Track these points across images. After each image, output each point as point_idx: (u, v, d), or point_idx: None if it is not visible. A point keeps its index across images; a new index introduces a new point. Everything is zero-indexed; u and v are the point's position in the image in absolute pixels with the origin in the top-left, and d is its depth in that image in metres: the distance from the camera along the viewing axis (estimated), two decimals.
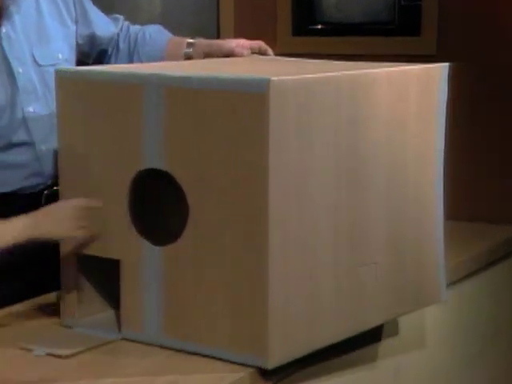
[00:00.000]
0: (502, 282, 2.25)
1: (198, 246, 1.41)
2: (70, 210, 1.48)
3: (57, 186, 1.73)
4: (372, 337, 1.66)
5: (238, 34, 2.60)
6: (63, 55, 1.76)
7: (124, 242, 1.48)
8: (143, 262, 1.47)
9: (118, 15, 1.93)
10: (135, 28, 1.92)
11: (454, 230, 1.80)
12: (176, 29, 2.82)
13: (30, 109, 1.69)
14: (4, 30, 1.67)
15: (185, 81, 1.40)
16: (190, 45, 1.84)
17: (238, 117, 1.35)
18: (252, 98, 1.33)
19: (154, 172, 1.45)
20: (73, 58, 1.80)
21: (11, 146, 1.69)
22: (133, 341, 1.48)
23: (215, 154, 1.38)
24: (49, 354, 1.42)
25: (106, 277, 1.55)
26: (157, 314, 1.46)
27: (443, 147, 1.64)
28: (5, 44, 1.66)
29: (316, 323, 1.44)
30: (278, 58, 1.85)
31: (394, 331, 1.75)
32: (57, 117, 1.55)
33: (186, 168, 1.41)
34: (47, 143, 1.71)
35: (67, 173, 1.54)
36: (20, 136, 1.69)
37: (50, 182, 1.74)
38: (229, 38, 2.61)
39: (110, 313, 1.58)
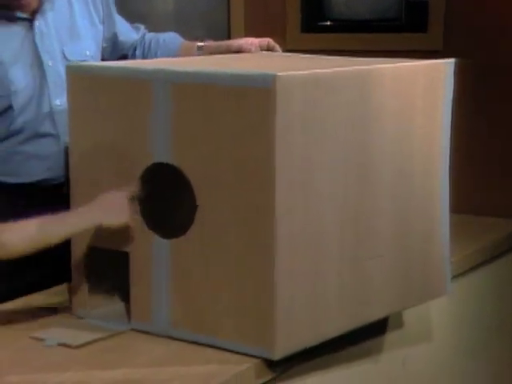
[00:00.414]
0: (506, 274, 2.25)
1: (205, 240, 1.43)
2: (120, 199, 1.49)
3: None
4: (377, 329, 1.68)
5: (249, 31, 2.62)
6: (90, 52, 1.81)
7: (133, 235, 1.50)
8: (152, 255, 1.49)
9: (139, 24, 2.00)
10: (151, 34, 1.98)
11: (459, 224, 1.81)
12: (187, 26, 2.85)
13: (57, 102, 1.74)
14: (37, 25, 1.73)
15: (192, 76, 1.42)
16: (200, 48, 1.89)
17: (244, 112, 1.37)
18: (258, 93, 1.35)
19: (163, 166, 1.47)
20: (99, 55, 1.86)
21: (37, 136, 1.74)
22: (142, 332, 1.50)
23: (222, 149, 1.40)
24: (60, 344, 1.45)
25: (116, 269, 1.57)
26: (165, 306, 1.48)
27: (449, 141, 1.66)
28: (37, 38, 1.73)
29: (321, 315, 1.45)
30: (286, 54, 1.87)
31: (399, 324, 1.76)
32: (68, 111, 1.57)
33: (194, 162, 1.43)
34: None
35: (77, 167, 1.57)
36: (46, 128, 1.75)
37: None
38: (239, 35, 2.64)
39: (119, 304, 1.60)
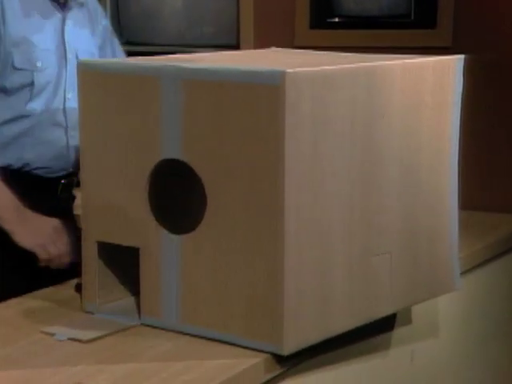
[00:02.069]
0: None
1: (215, 236, 1.44)
2: (49, 227, 1.66)
3: (74, 175, 1.80)
4: (385, 325, 1.68)
5: (258, 27, 2.62)
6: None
7: (143, 231, 1.51)
8: (162, 250, 1.50)
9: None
10: None
11: (467, 220, 1.81)
12: (197, 23, 2.86)
13: (69, 95, 1.80)
14: (68, 20, 1.82)
15: (202, 73, 1.43)
16: None
17: (253, 108, 1.38)
18: (267, 90, 1.35)
19: (173, 162, 1.48)
20: None
21: (49, 124, 1.80)
22: (152, 326, 1.51)
23: (232, 145, 1.41)
24: (70, 339, 1.46)
25: (126, 264, 1.58)
26: (175, 301, 1.49)
27: (458, 138, 1.66)
28: (66, 32, 1.81)
29: (330, 311, 1.46)
30: (295, 50, 1.88)
31: (408, 319, 1.77)
32: (78, 107, 1.58)
33: (204, 159, 1.44)
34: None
35: (88, 163, 1.58)
36: (58, 117, 1.81)
37: (71, 170, 1.83)
38: (248, 31, 2.64)
39: (129, 299, 1.62)
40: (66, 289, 1.70)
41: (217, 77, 1.41)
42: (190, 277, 1.47)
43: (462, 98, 1.65)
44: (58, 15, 1.81)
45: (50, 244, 1.72)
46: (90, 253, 1.58)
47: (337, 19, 2.55)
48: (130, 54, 2.06)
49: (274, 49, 1.85)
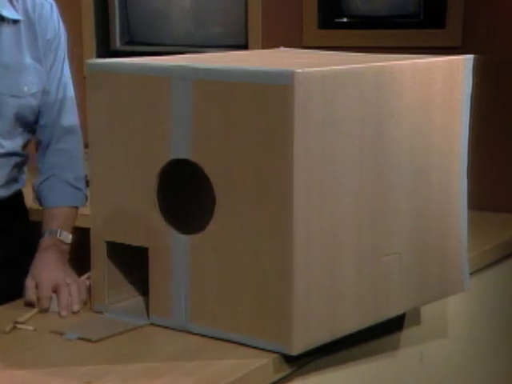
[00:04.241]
0: None
1: (223, 236, 1.44)
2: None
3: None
4: (394, 325, 1.68)
5: (266, 27, 2.63)
6: (29, 89, 1.72)
7: (152, 231, 1.51)
8: (171, 250, 1.50)
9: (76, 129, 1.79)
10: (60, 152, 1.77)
11: (477, 220, 1.81)
12: (205, 23, 2.86)
13: None
14: None
15: (211, 73, 1.43)
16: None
17: (263, 109, 1.38)
18: (277, 90, 1.35)
19: (182, 162, 1.48)
20: (39, 94, 1.74)
21: None
22: (161, 326, 1.51)
23: (241, 145, 1.41)
24: (79, 338, 1.46)
25: (135, 264, 1.59)
26: (184, 301, 1.49)
27: (468, 138, 1.66)
28: None
29: (339, 311, 1.46)
30: (304, 50, 1.87)
31: (416, 320, 1.77)
32: (87, 109, 1.58)
33: (213, 159, 1.44)
34: None
35: (97, 163, 1.58)
36: None
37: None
38: (256, 31, 2.64)
39: (138, 299, 1.62)
40: None
41: (226, 77, 1.41)
42: (198, 277, 1.47)
43: (471, 98, 1.65)
44: None
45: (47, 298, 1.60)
46: (98, 253, 1.58)
47: (345, 19, 2.55)
48: (138, 54, 2.04)
49: (282, 49, 1.86)
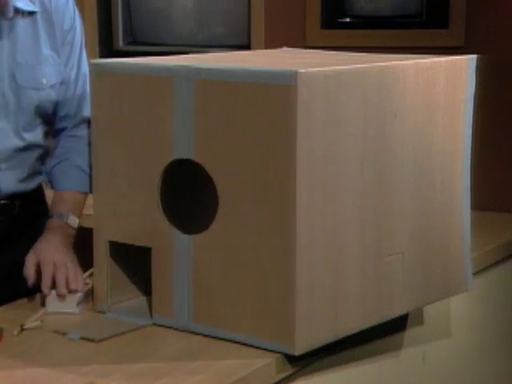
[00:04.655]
0: None
1: (227, 236, 1.44)
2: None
3: (10, 206, 1.72)
4: (397, 325, 1.68)
5: (268, 27, 2.62)
6: (47, 81, 1.71)
7: (155, 231, 1.51)
8: (174, 250, 1.50)
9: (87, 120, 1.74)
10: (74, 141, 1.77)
11: (480, 220, 1.81)
12: (208, 23, 2.86)
13: None
14: None
15: (214, 73, 1.43)
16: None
17: (266, 109, 1.38)
18: (280, 90, 1.35)
19: (185, 162, 1.48)
20: (57, 86, 1.73)
21: None
22: (163, 326, 1.52)
23: (244, 145, 1.41)
24: (82, 338, 1.46)
25: (137, 264, 1.59)
26: (186, 301, 1.49)
27: (471, 138, 1.65)
28: None
29: (342, 311, 1.46)
30: (307, 50, 1.87)
31: (420, 320, 1.77)
32: (92, 108, 1.59)
33: (216, 159, 1.44)
34: (8, 162, 1.70)
35: (100, 163, 1.58)
36: None
37: (3, 201, 1.73)
38: (259, 31, 2.64)
39: (141, 299, 1.62)
40: None
41: (229, 77, 1.41)
42: (201, 277, 1.48)
43: (474, 98, 1.64)
44: None
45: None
46: (101, 253, 1.58)
47: (348, 19, 2.54)
48: (141, 54, 2.04)
49: (285, 49, 1.86)
